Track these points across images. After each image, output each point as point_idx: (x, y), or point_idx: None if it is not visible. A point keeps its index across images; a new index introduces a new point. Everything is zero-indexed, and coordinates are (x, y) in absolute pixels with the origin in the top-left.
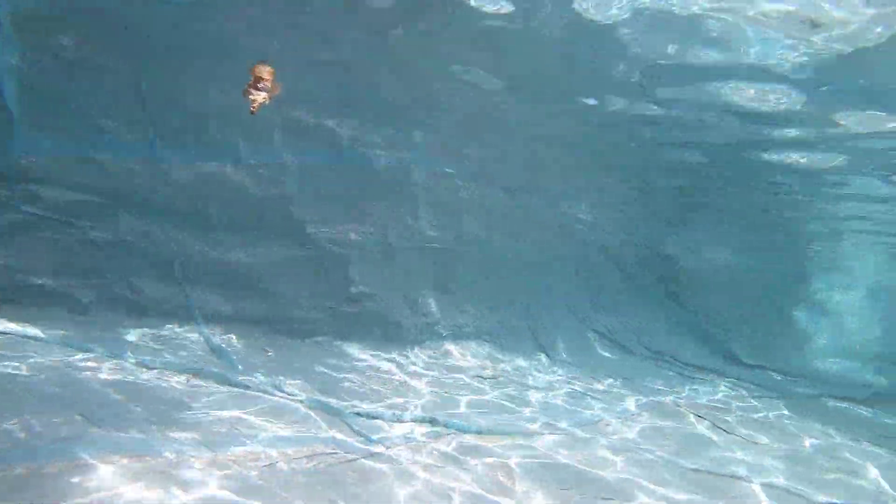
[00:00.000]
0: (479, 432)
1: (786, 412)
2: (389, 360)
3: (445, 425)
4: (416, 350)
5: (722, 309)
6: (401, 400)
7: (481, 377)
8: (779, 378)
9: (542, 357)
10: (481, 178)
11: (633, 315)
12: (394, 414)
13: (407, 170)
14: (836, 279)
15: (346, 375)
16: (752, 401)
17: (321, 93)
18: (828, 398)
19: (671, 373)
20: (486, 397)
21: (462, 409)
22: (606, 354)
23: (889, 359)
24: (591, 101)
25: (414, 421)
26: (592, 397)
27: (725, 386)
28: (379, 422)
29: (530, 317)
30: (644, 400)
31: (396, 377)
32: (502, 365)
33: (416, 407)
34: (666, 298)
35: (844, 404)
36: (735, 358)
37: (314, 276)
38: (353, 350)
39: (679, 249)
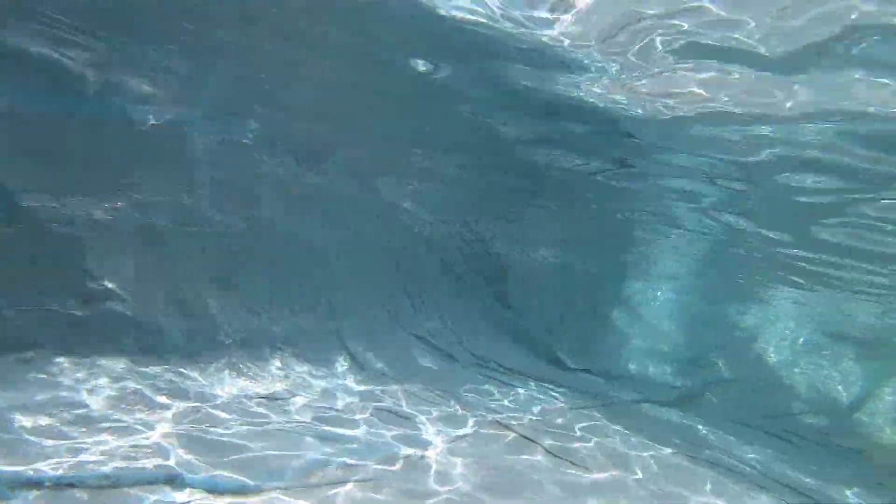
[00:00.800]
0: (241, 491)
1: (616, 427)
2: (143, 382)
3: (191, 485)
4: (185, 365)
5: (547, 311)
6: (137, 446)
7: (269, 398)
8: (600, 382)
9: (351, 368)
10: (285, 152)
11: (458, 317)
12: (108, 475)
13: (184, 133)
14: (650, 282)
15: (53, 411)
16: (579, 412)
17: (60, 11)
18: (645, 403)
19: (496, 381)
20: (271, 427)
21: (230, 450)
22: (427, 362)
23: (693, 361)
24: (422, 66)
25: (141, 484)
26: (406, 418)
27: (550, 394)
28: (78, 493)
29: (338, 320)
30: (465, 418)
31: (142, 408)
32: (300, 380)
33: (155, 455)
34: (493, 299)
35: (661, 411)
36: (559, 362)
37: (28, 267)
38: (84, 369)
39: (508, 247)
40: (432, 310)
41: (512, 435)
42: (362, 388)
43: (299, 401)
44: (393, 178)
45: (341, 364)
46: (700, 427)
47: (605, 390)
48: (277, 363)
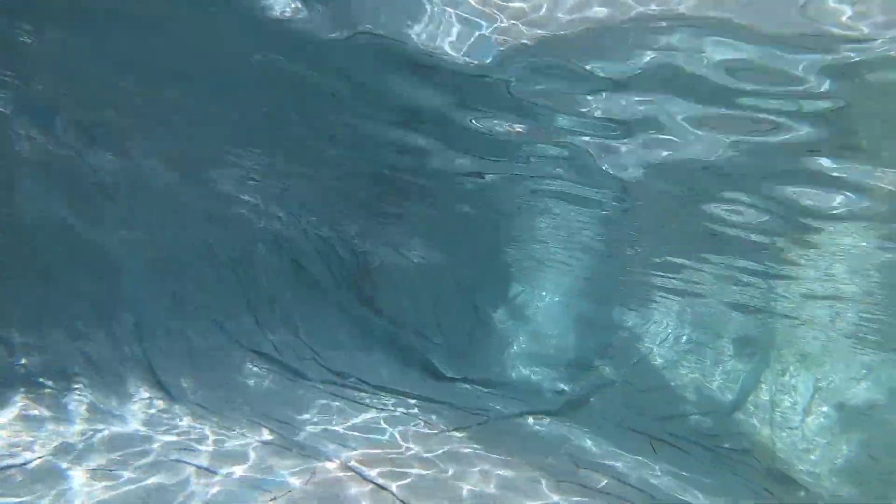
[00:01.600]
0: None
1: (494, 456)
2: None
3: None
4: None
5: (422, 316)
6: None
7: (24, 465)
8: (480, 392)
9: (160, 402)
10: (67, 126)
11: (314, 328)
12: None
13: None
14: (535, 282)
15: None
16: (450, 433)
17: None
18: (526, 416)
19: (351, 402)
20: None
21: None
22: (264, 384)
23: (580, 365)
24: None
25: None
26: (211, 472)
27: (419, 415)
28: None
29: (146, 342)
30: (297, 464)
31: None
32: (81, 427)
33: None
34: (359, 305)
35: (543, 424)
36: (435, 372)
37: None
38: None
39: (376, 246)
40: (281, 321)
41: (359, 484)
42: (170, 427)
43: (43, 462)
44: (229, 167)
45: (147, 398)
46: (585, 440)
47: (485, 403)
48: (32, 406)
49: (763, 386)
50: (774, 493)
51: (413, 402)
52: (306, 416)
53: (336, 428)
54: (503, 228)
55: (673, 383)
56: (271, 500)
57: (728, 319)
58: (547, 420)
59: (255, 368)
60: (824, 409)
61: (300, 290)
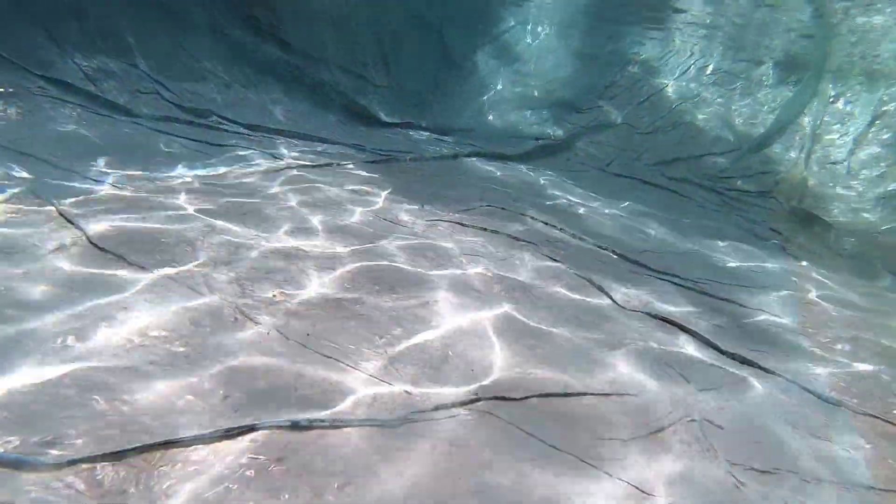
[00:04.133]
0: None
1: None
2: None
3: None
4: None
5: (354, 53)
6: None
7: None
8: (428, 139)
9: None
10: None
11: (162, 54)
12: None
13: None
14: (527, 14)
15: None
16: (318, 167)
17: None
18: (461, 158)
19: (197, 142)
20: None
21: None
22: (45, 119)
23: (572, 106)
24: None
25: None
26: None
27: (293, 155)
28: None
29: None
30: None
31: None
32: None
33: None
34: (242, 30)
35: (479, 167)
36: (366, 116)
37: None
38: None
39: None
40: (102, 42)
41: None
42: None
43: None
44: None
45: None
46: (539, 182)
47: (418, 147)
48: None
49: (805, 117)
50: (785, 234)
51: (300, 143)
52: (92, 157)
53: (125, 170)
54: None
55: (688, 120)
56: None
57: (771, 33)
58: (502, 164)
59: (42, 99)
60: (884, 136)
61: (138, 4)
